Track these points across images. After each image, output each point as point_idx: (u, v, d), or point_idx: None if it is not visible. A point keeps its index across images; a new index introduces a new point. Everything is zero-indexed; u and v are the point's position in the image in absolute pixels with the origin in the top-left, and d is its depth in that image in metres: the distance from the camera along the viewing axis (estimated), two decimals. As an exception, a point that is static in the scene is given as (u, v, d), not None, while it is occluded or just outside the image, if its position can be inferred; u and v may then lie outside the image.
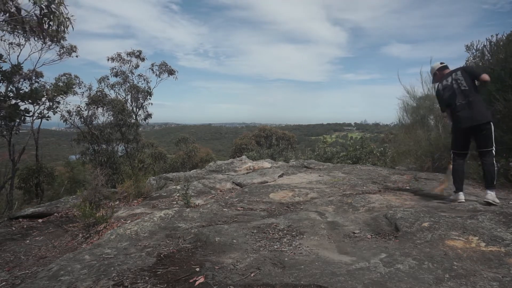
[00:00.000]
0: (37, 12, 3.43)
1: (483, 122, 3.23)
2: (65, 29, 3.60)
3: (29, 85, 9.15)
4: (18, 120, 4.85)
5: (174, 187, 5.36)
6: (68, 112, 10.97)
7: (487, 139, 3.27)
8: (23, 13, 3.51)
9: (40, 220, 4.24)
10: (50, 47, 10.56)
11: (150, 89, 15.48)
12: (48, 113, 9.48)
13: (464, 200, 3.37)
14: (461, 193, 3.42)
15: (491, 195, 3.22)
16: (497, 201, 3.21)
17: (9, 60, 8.56)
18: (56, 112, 9.82)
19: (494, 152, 3.29)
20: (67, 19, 3.56)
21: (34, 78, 9.70)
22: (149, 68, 15.88)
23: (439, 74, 3.68)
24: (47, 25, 3.51)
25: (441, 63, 3.69)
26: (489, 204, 3.18)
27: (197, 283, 1.90)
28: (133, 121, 13.17)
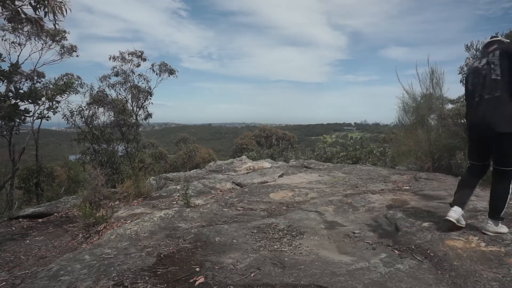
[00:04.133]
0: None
1: (497, 131, 2.24)
2: (63, 13, 3.52)
3: (30, 85, 9.16)
4: (18, 120, 4.83)
5: (174, 187, 5.36)
6: (70, 111, 10.99)
7: (501, 154, 2.31)
8: (17, 3, 3.46)
9: (40, 220, 4.24)
10: (51, 47, 10.58)
11: (150, 89, 15.51)
12: (48, 113, 9.48)
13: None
14: (453, 209, 2.46)
15: (491, 226, 2.35)
16: (503, 230, 2.35)
17: (9, 60, 8.58)
18: (56, 112, 9.83)
19: (510, 174, 2.30)
20: (60, 3, 3.50)
21: (35, 78, 9.71)
22: (150, 68, 15.92)
23: (484, 53, 2.49)
24: (43, 12, 3.46)
25: (491, 37, 2.47)
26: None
27: (197, 283, 1.90)
28: (133, 121, 13.17)
